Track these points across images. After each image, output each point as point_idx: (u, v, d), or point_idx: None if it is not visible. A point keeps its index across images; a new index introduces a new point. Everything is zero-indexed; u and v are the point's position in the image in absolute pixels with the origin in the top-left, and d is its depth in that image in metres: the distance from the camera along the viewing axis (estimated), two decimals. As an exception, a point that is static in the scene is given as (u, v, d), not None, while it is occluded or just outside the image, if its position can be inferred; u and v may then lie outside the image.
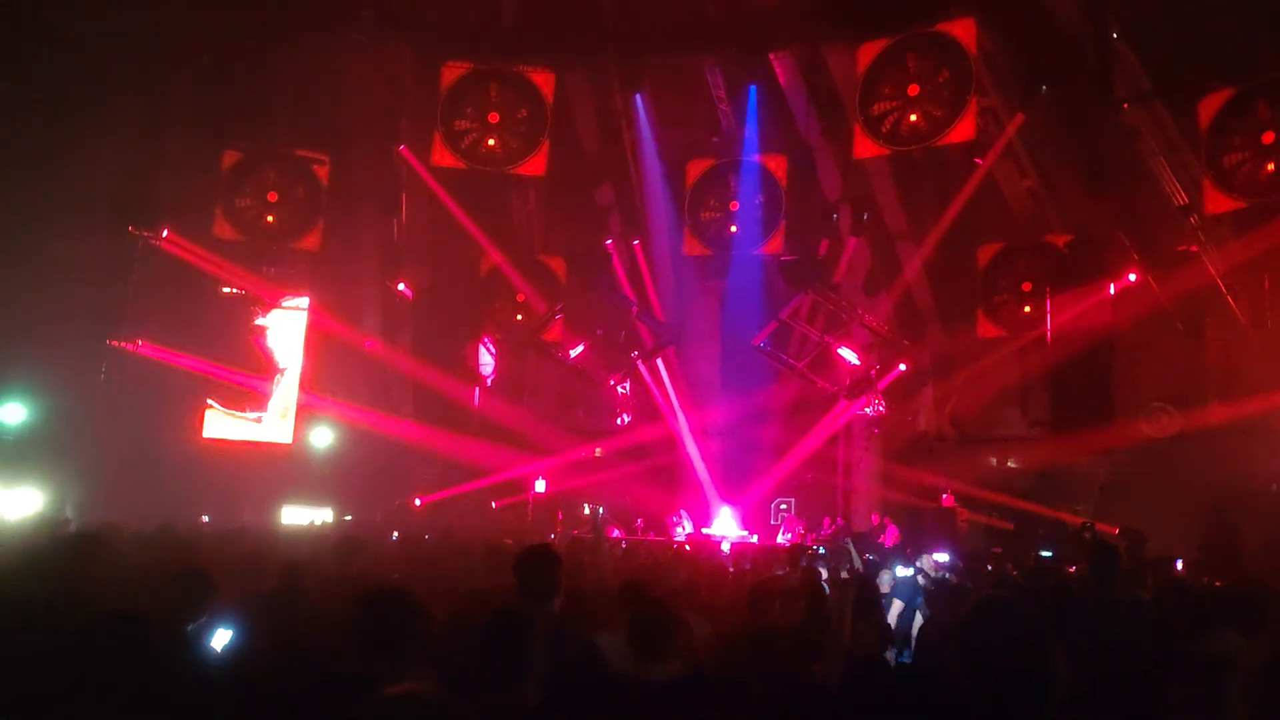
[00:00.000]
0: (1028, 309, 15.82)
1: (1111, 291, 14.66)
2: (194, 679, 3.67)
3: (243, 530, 9.61)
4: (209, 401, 16.89)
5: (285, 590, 5.37)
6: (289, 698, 3.34)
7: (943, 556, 9.49)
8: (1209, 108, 13.07)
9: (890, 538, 14.19)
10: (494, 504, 16.86)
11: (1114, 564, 5.68)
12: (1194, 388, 14.35)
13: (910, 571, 7.98)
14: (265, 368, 17.26)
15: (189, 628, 4.23)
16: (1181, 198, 13.78)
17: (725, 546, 13.73)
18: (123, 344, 15.94)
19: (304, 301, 17.35)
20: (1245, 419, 12.97)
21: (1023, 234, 15.99)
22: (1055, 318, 15.02)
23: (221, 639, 4.27)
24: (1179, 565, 9.20)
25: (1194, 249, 13.96)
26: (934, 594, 7.72)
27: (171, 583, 4.39)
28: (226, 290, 17.00)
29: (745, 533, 15.58)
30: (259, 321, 17.23)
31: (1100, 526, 12.20)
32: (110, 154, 15.03)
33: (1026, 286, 15.84)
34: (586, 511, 16.09)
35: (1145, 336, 14.66)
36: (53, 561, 5.11)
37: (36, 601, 4.38)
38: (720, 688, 3.60)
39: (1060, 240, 15.49)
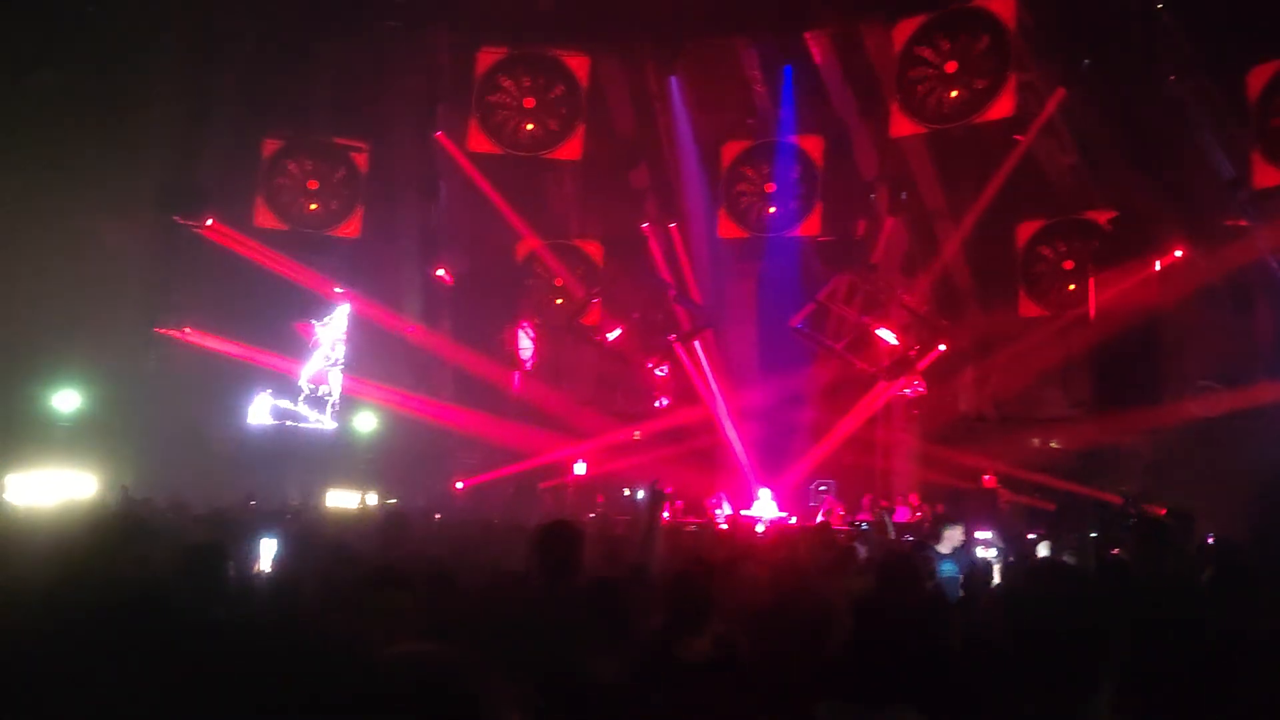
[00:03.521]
0: (1070, 287, 15.59)
1: (1157, 268, 14.40)
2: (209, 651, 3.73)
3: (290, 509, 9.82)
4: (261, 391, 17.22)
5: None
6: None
7: (985, 535, 9.45)
8: (1258, 79, 12.75)
9: (900, 516, 14.17)
10: (539, 486, 17.01)
11: (1163, 542, 5.62)
12: (1243, 365, 14.07)
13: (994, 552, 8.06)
14: (308, 353, 17.53)
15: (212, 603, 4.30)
16: (1229, 171, 13.48)
17: (760, 528, 13.75)
18: (170, 332, 16.27)
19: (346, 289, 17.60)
20: (1296, 397, 12.72)
21: (1064, 211, 15.74)
22: (1098, 296, 14.80)
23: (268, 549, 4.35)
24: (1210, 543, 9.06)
25: (1242, 223, 13.66)
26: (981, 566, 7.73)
27: (184, 560, 4.46)
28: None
29: (784, 514, 15.58)
30: (303, 308, 17.48)
31: (1147, 508, 12.03)
32: (155, 144, 15.31)
33: (1068, 265, 15.61)
34: (625, 493, 16.15)
35: (1192, 314, 14.37)
36: (101, 542, 5.25)
37: (77, 581, 4.49)
38: (750, 666, 3.62)
39: (1103, 217, 15.22)
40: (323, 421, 17.56)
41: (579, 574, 4.30)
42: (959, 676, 3.26)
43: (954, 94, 14.21)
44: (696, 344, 17.58)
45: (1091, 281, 14.94)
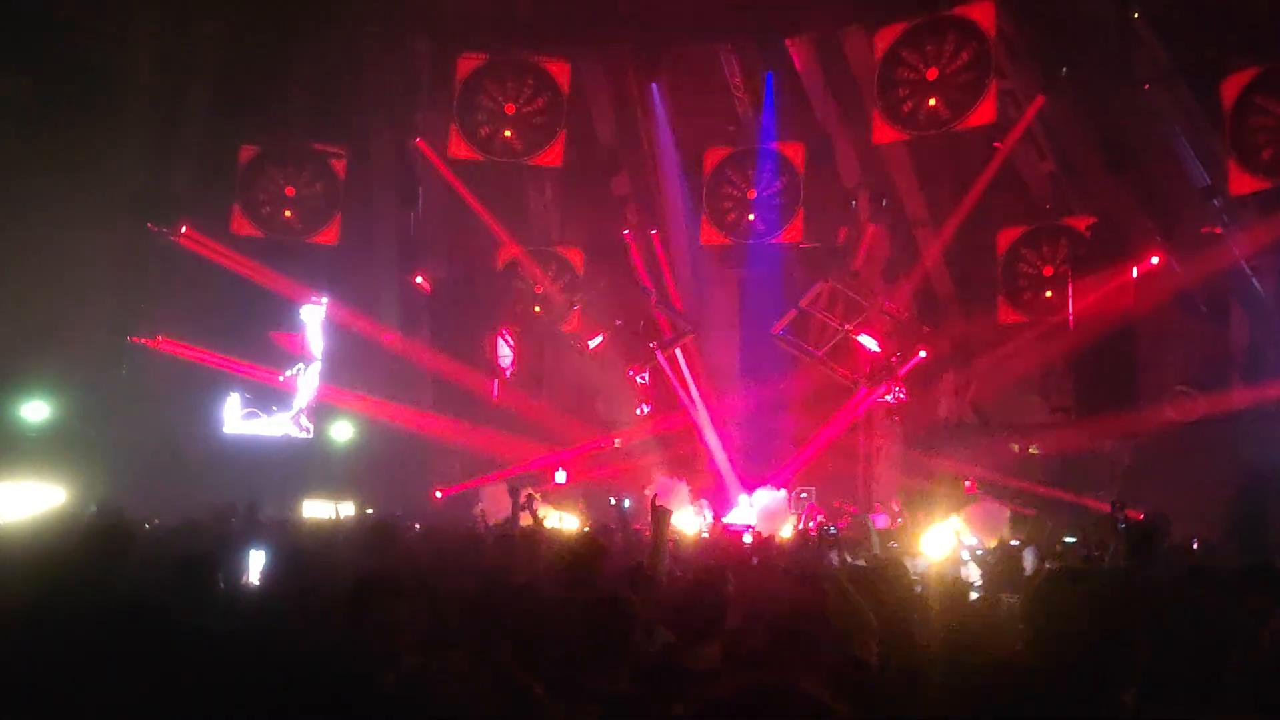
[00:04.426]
0: (1049, 294, 15.72)
1: (1134, 275, 14.55)
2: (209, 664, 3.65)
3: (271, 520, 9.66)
4: (231, 396, 16.99)
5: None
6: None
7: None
8: (1232, 87, 12.91)
9: (880, 523, 14.16)
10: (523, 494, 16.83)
11: (1152, 546, 5.67)
12: (1218, 371, 14.25)
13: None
14: (285, 362, 17.32)
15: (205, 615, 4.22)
16: (1205, 179, 13.64)
17: (747, 538, 13.69)
18: (143, 341, 16.02)
19: (323, 296, 17.41)
20: (1270, 401, 12.87)
21: (1043, 218, 15.88)
22: (1077, 302, 14.93)
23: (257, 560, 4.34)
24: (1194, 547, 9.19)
25: (1218, 230, 13.83)
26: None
27: (173, 572, 4.41)
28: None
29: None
30: (280, 317, 17.27)
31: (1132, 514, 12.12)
32: (128, 150, 15.09)
33: (1048, 271, 15.73)
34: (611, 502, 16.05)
35: (1168, 320, 14.56)
36: (77, 554, 5.12)
37: (61, 595, 4.37)
38: (761, 674, 3.56)
39: (1081, 224, 15.37)
40: (298, 430, 17.34)
41: (597, 587, 4.28)
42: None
43: (935, 101, 14.30)
44: (678, 351, 17.54)
45: (1070, 288, 15.06)
